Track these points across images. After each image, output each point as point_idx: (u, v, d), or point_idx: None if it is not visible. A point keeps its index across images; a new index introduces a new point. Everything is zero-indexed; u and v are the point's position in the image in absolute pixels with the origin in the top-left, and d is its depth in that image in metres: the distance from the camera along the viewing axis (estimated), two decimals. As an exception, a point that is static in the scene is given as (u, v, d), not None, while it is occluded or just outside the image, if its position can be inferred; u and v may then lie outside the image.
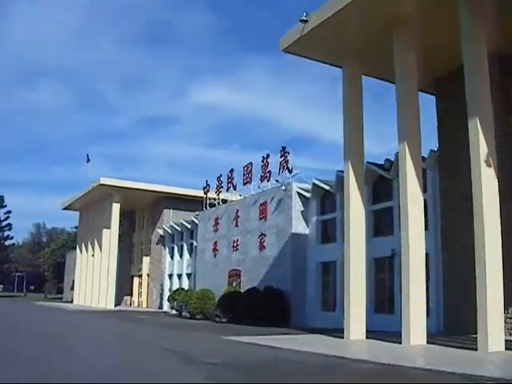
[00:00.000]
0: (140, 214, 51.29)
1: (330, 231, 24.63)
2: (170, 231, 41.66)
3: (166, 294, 38.92)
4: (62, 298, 66.65)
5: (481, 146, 12.52)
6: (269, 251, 26.48)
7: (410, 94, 15.13)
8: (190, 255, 38.28)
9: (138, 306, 48.09)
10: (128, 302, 50.17)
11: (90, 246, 49.98)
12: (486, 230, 12.13)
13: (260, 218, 27.57)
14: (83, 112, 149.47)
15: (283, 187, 25.78)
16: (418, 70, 15.31)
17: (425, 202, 15.68)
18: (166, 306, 37.97)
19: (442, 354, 11.97)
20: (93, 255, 48.65)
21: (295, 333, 18.71)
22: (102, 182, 43.47)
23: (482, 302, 11.94)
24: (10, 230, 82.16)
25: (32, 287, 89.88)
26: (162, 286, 42.66)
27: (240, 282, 28.31)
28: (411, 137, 14.79)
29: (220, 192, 32.31)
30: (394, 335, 14.52)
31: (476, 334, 12.14)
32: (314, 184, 25.05)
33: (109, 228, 45.09)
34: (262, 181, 27.72)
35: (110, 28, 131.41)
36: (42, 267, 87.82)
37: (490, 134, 12.77)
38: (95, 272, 46.92)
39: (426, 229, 15.17)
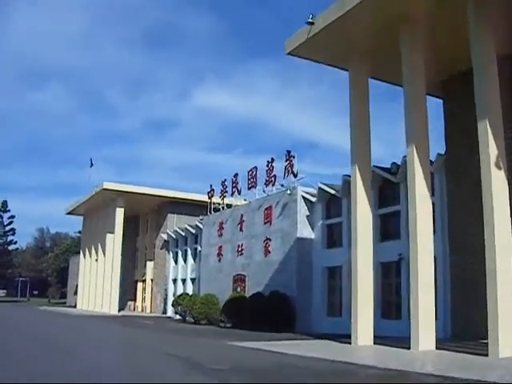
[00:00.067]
0: (144, 218, 51.19)
1: (336, 236, 24.44)
2: (174, 236, 41.52)
3: (170, 299, 38.71)
4: (65, 303, 66.51)
5: (490, 148, 12.40)
6: (274, 256, 26.28)
7: (417, 96, 14.97)
8: (194, 260, 38.11)
9: (142, 311, 47.92)
10: (132, 307, 50.03)
11: (93, 251, 49.86)
12: (497, 233, 11.98)
13: (265, 223, 27.39)
14: (85, 114, 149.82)
15: (288, 191, 25.63)
16: (426, 72, 15.17)
17: (432, 205, 15.52)
18: (170, 311, 37.73)
19: (452, 360, 11.76)
20: (96, 260, 48.54)
21: (301, 338, 18.54)
22: (105, 187, 43.33)
23: (493, 307, 11.76)
24: (13, 234, 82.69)
25: (35, 292, 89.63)
26: (165, 290, 42.49)
27: (245, 287, 28.09)
28: (419, 140, 14.62)
29: (224, 196, 32.11)
30: (402, 341, 14.34)
31: (486, 338, 11.96)
32: (319, 188, 24.89)
33: (112, 233, 44.90)
34: (266, 185, 27.56)
35: (111, 30, 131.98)
36: (46, 272, 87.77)
37: (500, 136, 12.65)
38: (99, 277, 46.79)
39: (434, 232, 14.98)
